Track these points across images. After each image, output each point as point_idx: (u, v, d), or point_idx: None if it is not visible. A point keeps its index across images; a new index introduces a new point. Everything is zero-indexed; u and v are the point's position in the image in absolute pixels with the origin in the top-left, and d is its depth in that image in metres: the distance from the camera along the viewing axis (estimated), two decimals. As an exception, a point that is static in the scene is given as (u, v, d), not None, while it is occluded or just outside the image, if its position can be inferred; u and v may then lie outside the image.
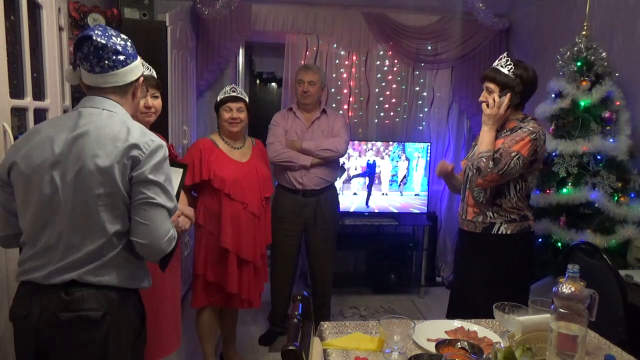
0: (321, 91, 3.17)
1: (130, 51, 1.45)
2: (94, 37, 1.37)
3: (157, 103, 2.08)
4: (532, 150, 1.98)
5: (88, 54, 1.38)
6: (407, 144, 4.07)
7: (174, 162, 1.91)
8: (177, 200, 1.81)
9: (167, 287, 2.12)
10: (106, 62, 1.39)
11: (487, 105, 2.06)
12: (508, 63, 2.03)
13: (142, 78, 1.53)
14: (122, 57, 1.42)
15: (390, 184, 4.06)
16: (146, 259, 1.48)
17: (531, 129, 2.00)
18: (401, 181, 4.07)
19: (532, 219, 2.16)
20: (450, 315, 2.24)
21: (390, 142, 4.05)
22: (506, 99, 2.01)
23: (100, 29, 1.41)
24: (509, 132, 2.07)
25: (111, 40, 1.40)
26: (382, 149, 4.01)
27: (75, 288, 1.35)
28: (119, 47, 1.41)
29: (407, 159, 4.06)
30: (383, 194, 4.06)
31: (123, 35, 1.46)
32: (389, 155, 4.03)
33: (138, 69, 1.49)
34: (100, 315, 1.35)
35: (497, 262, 2.09)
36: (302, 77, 3.09)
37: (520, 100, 2.06)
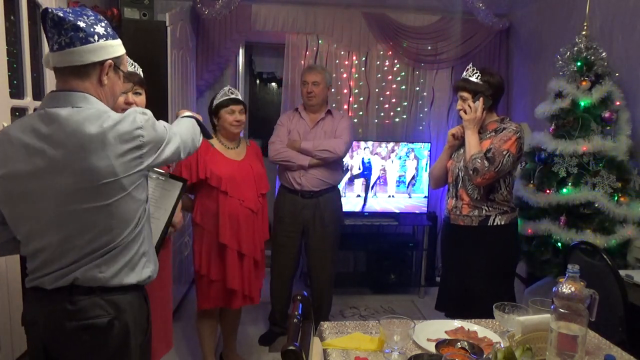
0: (326, 91, 3.14)
1: (97, 30, 1.30)
2: (50, 10, 1.25)
3: (140, 100, 1.94)
4: (518, 147, 2.24)
5: (49, 30, 1.27)
6: (411, 143, 4.07)
7: (173, 175, 1.89)
8: (172, 215, 1.80)
9: (155, 286, 1.91)
10: (63, 38, 1.26)
11: (465, 112, 2.29)
12: (475, 72, 2.29)
13: (111, 63, 1.34)
14: (81, 34, 1.27)
15: (398, 185, 4.05)
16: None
17: (515, 128, 2.25)
18: (409, 182, 4.05)
19: (517, 209, 2.44)
20: (442, 306, 2.51)
21: (387, 142, 4.03)
22: (480, 102, 2.26)
23: (74, 8, 1.30)
24: (493, 133, 2.29)
25: (77, 17, 1.27)
26: (381, 148, 3.99)
27: (80, 297, 1.32)
28: (81, 24, 1.27)
29: (416, 157, 4.04)
30: (389, 196, 4.04)
31: (100, 17, 1.33)
32: (396, 155, 4.01)
33: (105, 50, 1.32)
34: (106, 321, 1.34)
35: (494, 251, 2.31)
36: (306, 78, 3.08)
37: (492, 103, 2.31)
